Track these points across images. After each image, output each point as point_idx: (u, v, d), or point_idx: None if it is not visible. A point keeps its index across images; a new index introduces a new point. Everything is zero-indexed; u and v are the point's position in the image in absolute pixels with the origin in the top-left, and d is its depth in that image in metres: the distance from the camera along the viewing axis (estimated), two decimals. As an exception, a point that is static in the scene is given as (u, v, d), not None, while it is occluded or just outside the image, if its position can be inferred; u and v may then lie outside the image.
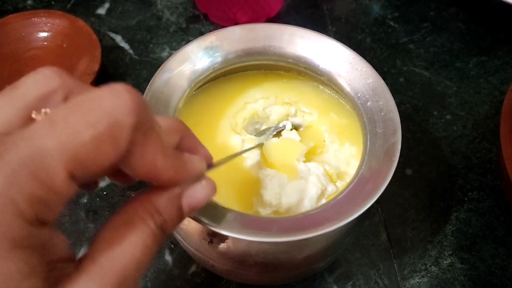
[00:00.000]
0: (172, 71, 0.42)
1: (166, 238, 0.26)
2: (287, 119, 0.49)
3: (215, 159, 0.44)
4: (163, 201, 0.25)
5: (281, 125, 0.49)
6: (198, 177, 0.27)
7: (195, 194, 0.26)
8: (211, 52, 0.44)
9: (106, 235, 0.23)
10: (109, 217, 0.23)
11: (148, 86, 0.40)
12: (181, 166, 0.25)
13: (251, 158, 0.44)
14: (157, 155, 0.23)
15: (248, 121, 0.48)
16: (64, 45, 0.65)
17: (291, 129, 0.48)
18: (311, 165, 0.43)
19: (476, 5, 0.77)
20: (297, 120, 0.49)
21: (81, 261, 0.22)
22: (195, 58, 0.43)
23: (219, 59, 0.44)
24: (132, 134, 0.21)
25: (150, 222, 0.24)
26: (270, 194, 0.41)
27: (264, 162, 0.45)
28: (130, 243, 0.22)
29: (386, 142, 0.38)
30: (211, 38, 0.44)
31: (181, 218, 0.26)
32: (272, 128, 0.48)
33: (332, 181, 0.43)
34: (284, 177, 0.42)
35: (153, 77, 0.41)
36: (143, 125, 0.22)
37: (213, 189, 0.28)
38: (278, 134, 0.48)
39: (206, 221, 0.33)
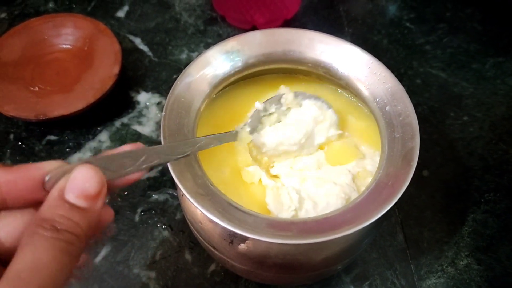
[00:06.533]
0: (193, 75, 0.43)
1: (84, 235, 0.27)
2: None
3: (233, 162, 0.44)
4: (44, 209, 0.26)
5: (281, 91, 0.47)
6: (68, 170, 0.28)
7: (70, 184, 0.27)
8: (232, 57, 0.45)
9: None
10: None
11: (170, 91, 0.41)
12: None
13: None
14: None
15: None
16: (86, 48, 0.66)
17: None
18: (340, 170, 0.43)
19: (493, 5, 0.76)
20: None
21: None
22: (216, 63, 0.44)
23: (239, 64, 0.45)
24: None
25: (40, 231, 0.25)
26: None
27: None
28: (22, 257, 0.24)
29: (404, 147, 0.38)
30: (232, 43, 0.45)
31: (74, 210, 0.27)
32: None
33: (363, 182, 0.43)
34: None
35: (175, 82, 0.42)
36: None
37: (85, 170, 0.27)
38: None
39: (227, 222, 0.34)
